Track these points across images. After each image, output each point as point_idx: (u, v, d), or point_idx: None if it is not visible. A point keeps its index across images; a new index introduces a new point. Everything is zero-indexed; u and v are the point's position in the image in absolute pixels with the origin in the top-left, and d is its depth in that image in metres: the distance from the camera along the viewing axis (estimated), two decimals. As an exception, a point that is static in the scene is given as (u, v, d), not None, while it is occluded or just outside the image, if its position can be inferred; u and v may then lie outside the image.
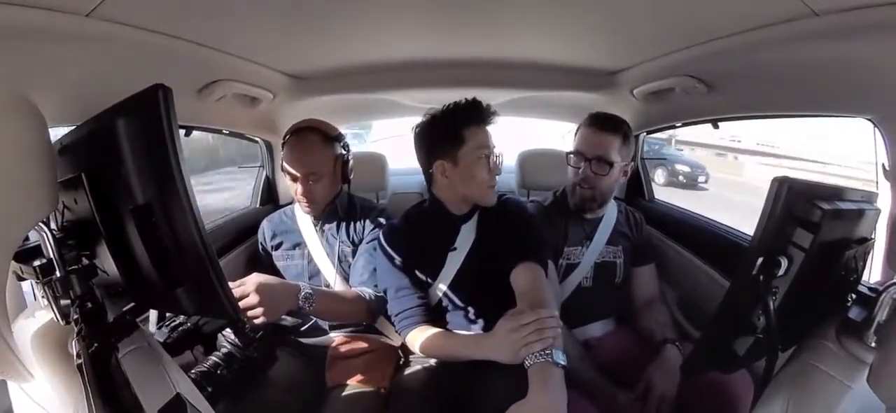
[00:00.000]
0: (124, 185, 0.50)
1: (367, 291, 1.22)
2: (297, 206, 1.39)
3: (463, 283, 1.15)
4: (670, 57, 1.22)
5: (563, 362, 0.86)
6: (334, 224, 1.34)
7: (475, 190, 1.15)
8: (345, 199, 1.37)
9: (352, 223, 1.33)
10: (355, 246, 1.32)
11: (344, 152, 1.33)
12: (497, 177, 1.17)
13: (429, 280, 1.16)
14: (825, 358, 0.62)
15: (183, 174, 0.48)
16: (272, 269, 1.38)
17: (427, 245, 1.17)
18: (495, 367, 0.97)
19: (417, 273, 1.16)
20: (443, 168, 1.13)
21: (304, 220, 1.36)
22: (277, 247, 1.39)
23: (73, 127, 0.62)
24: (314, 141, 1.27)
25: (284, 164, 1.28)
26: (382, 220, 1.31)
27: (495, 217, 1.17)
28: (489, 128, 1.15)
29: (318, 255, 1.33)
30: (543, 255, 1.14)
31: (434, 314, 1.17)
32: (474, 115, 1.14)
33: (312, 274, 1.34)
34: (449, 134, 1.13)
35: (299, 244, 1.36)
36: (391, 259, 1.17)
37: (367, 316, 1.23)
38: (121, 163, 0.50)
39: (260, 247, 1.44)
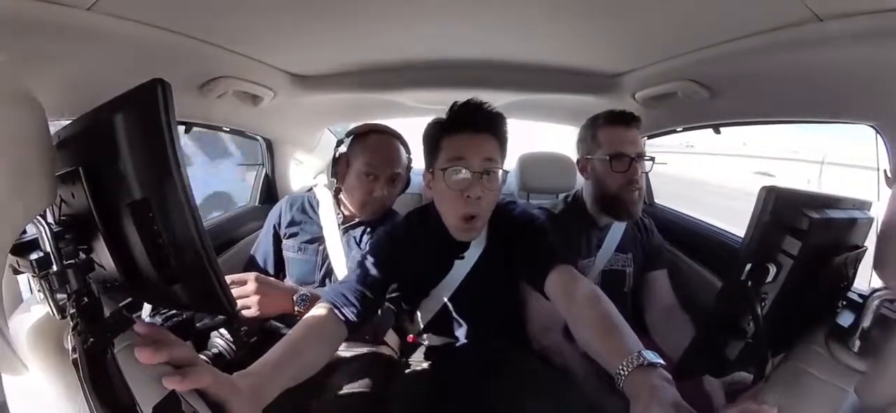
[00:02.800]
0: (122, 180, 0.50)
1: None
2: (321, 198, 1.34)
3: (468, 293, 1.09)
4: (673, 61, 1.22)
5: None
6: (360, 230, 1.29)
7: (447, 217, 0.97)
8: None
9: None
10: None
11: (409, 160, 1.33)
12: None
13: (419, 291, 1.10)
14: (814, 362, 0.63)
15: (181, 169, 0.47)
16: (277, 257, 1.32)
17: (428, 251, 1.08)
18: (497, 374, 0.96)
19: (408, 282, 1.08)
20: (427, 180, 1.03)
21: (329, 216, 1.29)
22: (292, 235, 1.32)
23: (72, 120, 0.63)
24: (396, 144, 1.27)
25: (359, 161, 1.22)
26: None
27: (504, 227, 1.04)
28: (482, 136, 0.94)
29: (337, 256, 1.27)
30: (568, 256, 0.98)
31: (438, 323, 1.14)
32: (453, 120, 0.95)
33: (326, 274, 1.29)
34: (430, 142, 1.00)
35: (318, 240, 1.30)
36: (377, 252, 1.04)
37: (370, 330, 1.16)
38: (118, 157, 0.50)
39: (272, 227, 1.35)
